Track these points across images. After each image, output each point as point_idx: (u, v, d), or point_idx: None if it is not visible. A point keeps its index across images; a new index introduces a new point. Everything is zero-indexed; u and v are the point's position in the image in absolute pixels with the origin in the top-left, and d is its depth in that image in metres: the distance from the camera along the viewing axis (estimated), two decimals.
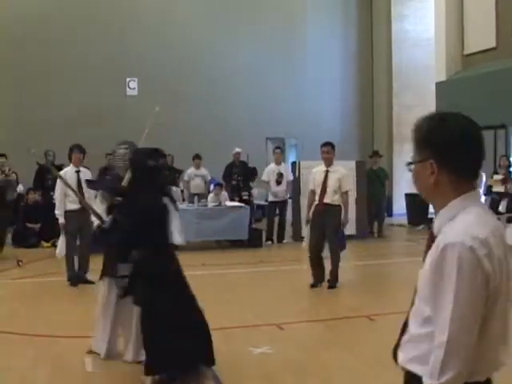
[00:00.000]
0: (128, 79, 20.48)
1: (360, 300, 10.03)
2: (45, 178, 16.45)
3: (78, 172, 11.18)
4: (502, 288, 2.38)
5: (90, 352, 7.12)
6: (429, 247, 2.50)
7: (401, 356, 2.59)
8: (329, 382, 6.46)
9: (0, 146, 16.84)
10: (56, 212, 11.17)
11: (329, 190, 10.64)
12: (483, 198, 16.21)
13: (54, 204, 16.44)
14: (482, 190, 16.20)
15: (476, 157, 2.49)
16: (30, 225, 15.77)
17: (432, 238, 2.51)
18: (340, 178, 10.70)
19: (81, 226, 11.15)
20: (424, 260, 2.51)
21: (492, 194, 15.67)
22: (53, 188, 16.27)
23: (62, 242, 11.16)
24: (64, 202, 11.10)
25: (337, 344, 7.68)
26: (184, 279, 6.38)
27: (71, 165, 11.30)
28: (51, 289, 11.06)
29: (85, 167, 11.55)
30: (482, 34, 18.64)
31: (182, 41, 20.69)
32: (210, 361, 6.25)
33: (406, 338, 2.59)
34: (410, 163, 2.61)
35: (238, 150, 17.12)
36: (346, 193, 10.83)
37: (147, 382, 6.17)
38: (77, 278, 11.24)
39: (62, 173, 11.23)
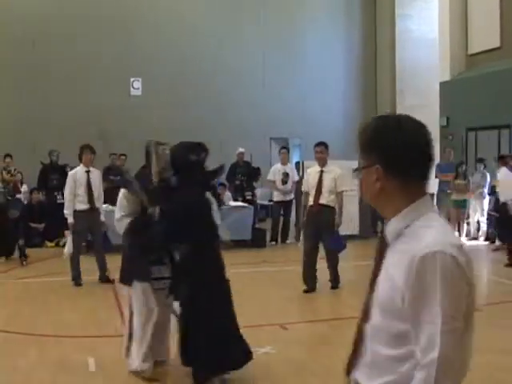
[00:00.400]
0: (132, 79, 20.50)
1: (361, 300, 10.01)
2: (49, 177, 16.49)
3: (88, 172, 11.24)
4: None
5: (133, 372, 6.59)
6: (381, 257, 2.31)
7: (366, 382, 2.32)
8: (332, 382, 6.45)
9: (3, 146, 16.91)
10: (65, 212, 11.16)
11: (324, 190, 10.46)
12: (487, 198, 16.22)
13: (58, 204, 16.54)
14: (486, 190, 16.20)
15: (425, 159, 2.27)
16: (33, 224, 15.78)
17: (384, 247, 2.31)
18: (335, 178, 10.57)
19: (90, 226, 11.22)
20: (377, 270, 2.30)
21: (496, 194, 15.66)
22: (57, 188, 16.39)
23: (69, 241, 11.28)
24: (73, 201, 11.09)
25: (340, 344, 7.68)
26: (226, 281, 6.32)
27: (81, 165, 11.34)
28: (55, 289, 11.08)
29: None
30: (486, 34, 18.63)
31: (186, 41, 20.69)
32: (240, 363, 6.27)
33: (368, 359, 2.34)
34: (356, 170, 2.39)
35: (241, 150, 17.12)
36: (341, 193, 10.68)
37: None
38: (100, 279, 11.35)
39: (72, 173, 11.28)
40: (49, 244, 15.75)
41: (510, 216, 13.47)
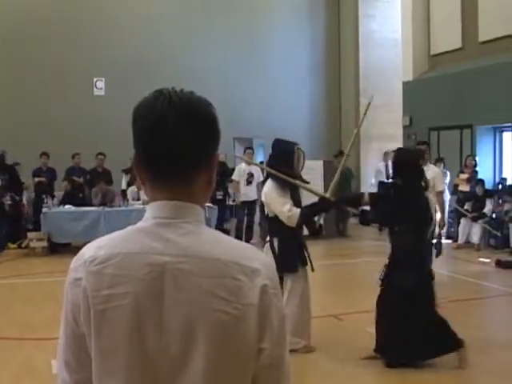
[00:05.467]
0: (95, 79, 20.35)
1: (327, 299, 10.05)
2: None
3: None
4: None
5: None
6: None
7: None
8: (300, 382, 6.45)
9: None
10: None
11: None
12: (448, 197, 16.39)
13: (21, 205, 16.31)
14: (446, 189, 16.38)
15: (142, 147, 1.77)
16: None
17: None
18: (434, 178, 10.49)
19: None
20: None
21: (458, 193, 15.84)
22: (5, 188, 15.97)
23: None
24: None
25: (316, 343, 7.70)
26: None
27: None
28: (19, 290, 10.98)
29: None
30: (448, 35, 18.82)
31: (150, 41, 20.59)
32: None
33: None
34: None
35: None
36: (440, 193, 10.85)
37: None
38: None
39: None
40: (11, 246, 15.53)
41: None
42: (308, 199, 7.33)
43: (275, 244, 7.26)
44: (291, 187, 7.15)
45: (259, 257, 1.75)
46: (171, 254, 1.67)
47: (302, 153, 7.38)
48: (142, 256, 1.67)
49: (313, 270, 7.50)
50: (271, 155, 7.52)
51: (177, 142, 1.71)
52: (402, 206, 6.75)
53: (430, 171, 10.32)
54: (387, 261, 6.94)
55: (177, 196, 1.74)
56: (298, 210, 7.00)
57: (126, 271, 1.66)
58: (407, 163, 6.97)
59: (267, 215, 7.35)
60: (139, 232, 1.73)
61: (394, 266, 6.79)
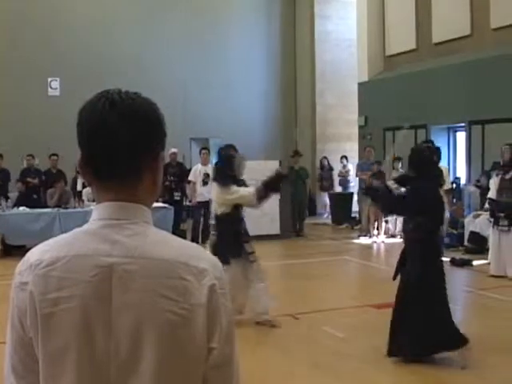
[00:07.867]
0: (49, 79, 20.12)
1: (283, 299, 10.05)
2: None
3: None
4: None
5: None
6: None
7: None
8: (260, 381, 6.43)
9: None
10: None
11: None
12: None
13: None
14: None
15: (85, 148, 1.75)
16: None
17: None
18: None
19: None
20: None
21: None
22: None
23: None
24: None
25: (265, 344, 7.71)
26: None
27: None
28: None
29: None
30: (402, 36, 19.02)
31: (106, 40, 20.42)
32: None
33: None
34: None
35: (173, 150, 16.68)
36: (448, 191, 11.04)
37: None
38: None
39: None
40: None
41: None
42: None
43: (213, 238, 8.14)
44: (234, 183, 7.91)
45: (206, 257, 1.75)
46: (118, 256, 1.66)
47: (241, 159, 8.17)
48: (89, 258, 1.66)
49: (252, 261, 8.14)
50: (216, 162, 8.55)
51: (118, 144, 1.69)
52: (416, 202, 6.86)
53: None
54: (400, 258, 7.05)
55: (122, 197, 1.73)
56: (249, 188, 7.80)
57: (72, 274, 1.65)
58: (422, 159, 7.14)
59: (215, 214, 8.12)
60: (86, 234, 1.72)
61: (408, 262, 6.88)
